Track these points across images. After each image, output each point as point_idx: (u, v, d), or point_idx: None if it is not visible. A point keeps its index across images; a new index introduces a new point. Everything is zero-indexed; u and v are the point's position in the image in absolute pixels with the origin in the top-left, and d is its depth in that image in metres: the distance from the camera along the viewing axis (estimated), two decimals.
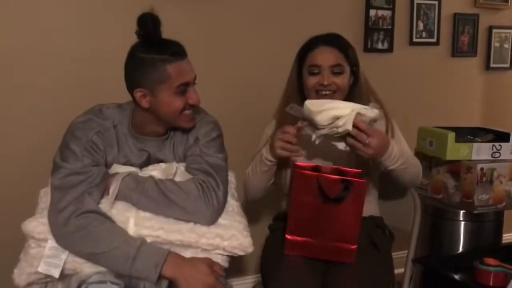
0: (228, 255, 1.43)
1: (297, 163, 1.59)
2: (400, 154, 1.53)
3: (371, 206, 1.74)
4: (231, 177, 1.59)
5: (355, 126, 1.43)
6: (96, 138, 1.41)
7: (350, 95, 1.67)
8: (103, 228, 1.33)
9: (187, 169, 1.49)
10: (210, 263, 1.37)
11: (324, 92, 1.64)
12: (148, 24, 1.38)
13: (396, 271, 1.67)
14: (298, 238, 1.51)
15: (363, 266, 1.50)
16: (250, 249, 1.43)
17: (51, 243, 1.34)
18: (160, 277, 1.32)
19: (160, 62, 1.37)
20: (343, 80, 1.65)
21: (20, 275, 1.35)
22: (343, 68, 1.65)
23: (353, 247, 1.49)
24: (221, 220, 1.43)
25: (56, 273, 1.32)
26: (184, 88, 1.41)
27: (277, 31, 2.28)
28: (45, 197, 1.45)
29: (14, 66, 1.91)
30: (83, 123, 1.42)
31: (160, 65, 1.37)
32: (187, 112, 1.44)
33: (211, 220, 1.42)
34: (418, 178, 1.70)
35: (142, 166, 1.49)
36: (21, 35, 1.90)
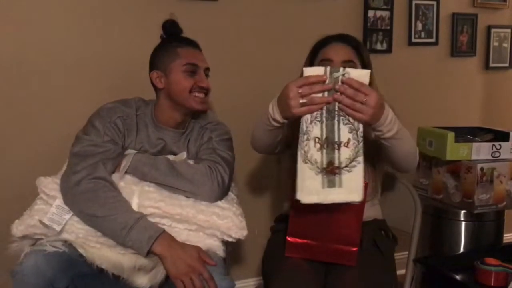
0: (222, 240, 1.48)
1: None
2: (395, 120, 1.39)
3: (374, 210, 1.73)
4: (233, 185, 1.64)
5: (349, 85, 1.27)
6: (118, 121, 1.55)
7: None
8: (109, 195, 1.43)
9: (197, 161, 1.58)
10: (200, 251, 1.42)
11: None
12: (166, 27, 1.63)
13: (398, 272, 1.66)
14: (299, 240, 1.51)
15: (365, 268, 1.50)
16: (245, 232, 1.50)
17: (59, 202, 1.45)
18: (150, 252, 1.38)
19: (173, 47, 1.59)
20: None
21: (19, 225, 1.47)
22: (355, 65, 1.58)
23: (354, 249, 1.49)
24: (220, 203, 1.52)
25: (57, 228, 1.43)
26: (192, 69, 1.57)
27: (276, 32, 2.29)
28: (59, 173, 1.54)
29: (13, 69, 1.91)
30: (109, 108, 1.57)
31: (172, 48, 1.59)
32: (197, 94, 1.58)
33: (214, 196, 1.51)
34: (414, 154, 1.54)
35: (155, 155, 1.58)
36: (23, 39, 1.91)
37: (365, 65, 1.61)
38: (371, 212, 1.66)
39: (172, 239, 1.41)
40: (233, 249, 1.55)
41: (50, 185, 1.48)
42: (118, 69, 2.02)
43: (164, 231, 1.41)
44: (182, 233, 1.45)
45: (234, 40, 2.23)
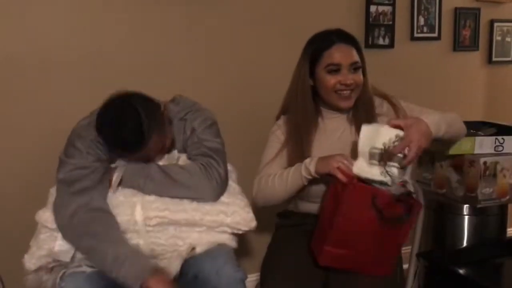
0: (233, 233, 1.48)
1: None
2: (438, 120, 1.51)
3: None
4: (231, 168, 1.62)
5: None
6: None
7: (362, 93, 1.65)
8: (106, 227, 1.38)
9: (189, 157, 1.54)
10: None
11: (344, 92, 1.60)
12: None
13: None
14: (339, 251, 1.42)
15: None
16: (253, 223, 1.50)
17: None
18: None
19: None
20: (361, 77, 1.61)
21: (31, 259, 1.42)
22: (359, 65, 1.61)
23: (387, 271, 1.46)
24: (223, 199, 1.50)
25: (67, 259, 1.40)
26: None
27: (277, 28, 2.28)
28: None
29: (14, 67, 1.91)
30: (87, 125, 1.48)
31: None
32: None
33: (215, 195, 1.48)
34: (463, 126, 1.71)
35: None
36: (24, 37, 1.91)
37: (363, 63, 1.64)
38: None
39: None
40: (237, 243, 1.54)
41: (50, 219, 1.43)
42: (119, 67, 2.03)
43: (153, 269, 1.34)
44: (192, 235, 1.45)
45: (232, 35, 2.21)
